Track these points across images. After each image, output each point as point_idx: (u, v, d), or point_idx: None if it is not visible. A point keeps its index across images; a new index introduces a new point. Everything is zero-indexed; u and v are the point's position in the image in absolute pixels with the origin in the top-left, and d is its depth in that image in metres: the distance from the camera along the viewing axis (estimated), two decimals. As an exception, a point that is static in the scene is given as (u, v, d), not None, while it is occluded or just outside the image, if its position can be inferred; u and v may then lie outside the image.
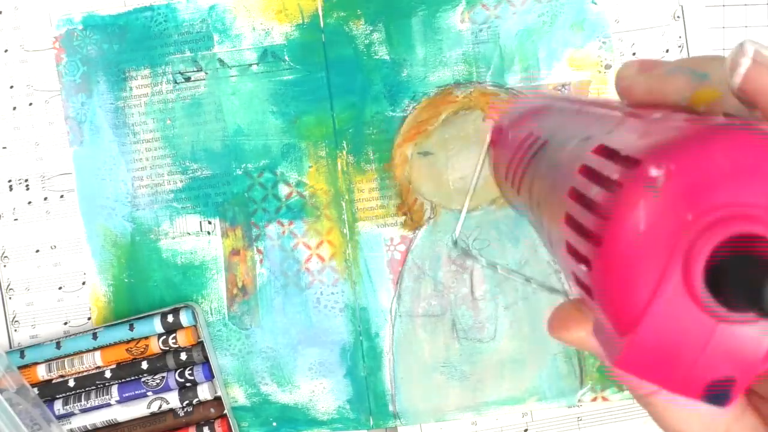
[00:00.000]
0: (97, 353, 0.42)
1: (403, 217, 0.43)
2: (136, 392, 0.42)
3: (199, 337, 0.42)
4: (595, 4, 0.43)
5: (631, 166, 0.15)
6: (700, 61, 0.17)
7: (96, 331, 0.42)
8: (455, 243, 0.31)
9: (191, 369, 0.42)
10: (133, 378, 0.42)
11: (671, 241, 0.14)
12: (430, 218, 0.43)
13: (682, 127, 0.15)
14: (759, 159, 0.14)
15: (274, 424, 0.44)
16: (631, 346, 0.14)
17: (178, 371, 0.42)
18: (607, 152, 0.16)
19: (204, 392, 0.42)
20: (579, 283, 0.16)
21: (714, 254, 0.14)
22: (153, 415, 0.42)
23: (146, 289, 0.44)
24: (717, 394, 0.15)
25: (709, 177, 0.14)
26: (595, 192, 0.16)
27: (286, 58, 0.43)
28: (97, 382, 0.42)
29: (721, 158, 0.14)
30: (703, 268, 0.14)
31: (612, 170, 0.15)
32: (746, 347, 0.14)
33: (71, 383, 0.42)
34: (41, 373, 0.42)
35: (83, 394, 0.42)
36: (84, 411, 0.42)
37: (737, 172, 0.14)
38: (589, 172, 0.16)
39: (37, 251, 0.44)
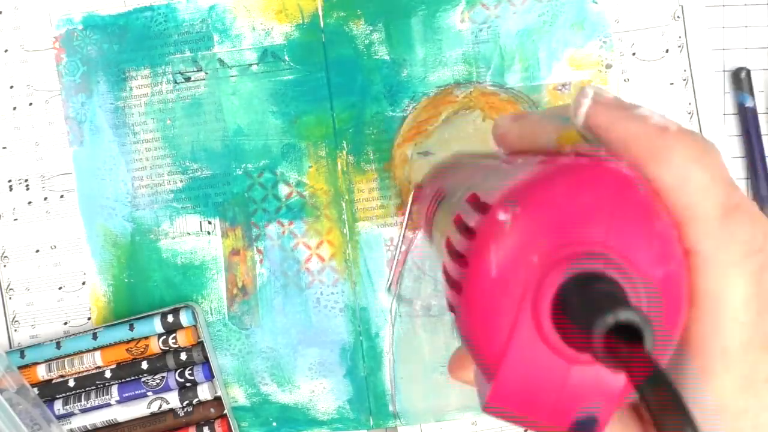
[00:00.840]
0: (97, 353, 0.42)
1: (403, 218, 0.43)
2: (136, 392, 0.42)
3: (199, 337, 0.42)
4: (596, 3, 0.43)
5: (483, 212, 0.15)
6: (563, 109, 0.18)
7: (96, 331, 0.42)
8: (388, 289, 0.33)
9: (191, 369, 0.42)
10: (133, 378, 0.42)
11: (521, 284, 0.14)
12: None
13: (532, 170, 0.15)
14: (595, 197, 0.14)
15: (274, 424, 0.44)
16: (495, 389, 0.14)
17: (178, 371, 0.42)
18: (474, 200, 0.17)
19: (204, 392, 0.42)
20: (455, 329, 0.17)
21: (560, 295, 0.14)
22: (153, 415, 0.42)
23: (146, 289, 0.44)
24: (583, 429, 0.15)
25: (551, 217, 0.14)
26: (457, 240, 0.16)
27: (286, 58, 0.43)
28: (97, 382, 0.42)
29: (561, 199, 0.14)
30: (549, 310, 0.14)
31: (472, 218, 0.16)
32: (603, 383, 0.14)
33: (71, 383, 0.42)
34: (41, 373, 0.42)
35: (83, 394, 0.42)
36: (84, 411, 0.42)
37: (576, 211, 0.14)
38: (459, 222, 0.17)
39: (37, 251, 0.44)
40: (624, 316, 0.12)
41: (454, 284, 0.16)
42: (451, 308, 0.16)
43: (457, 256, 0.16)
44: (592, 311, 0.12)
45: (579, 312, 0.13)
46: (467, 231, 0.16)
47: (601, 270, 0.13)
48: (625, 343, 0.12)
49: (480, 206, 0.16)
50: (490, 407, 0.15)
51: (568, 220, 0.14)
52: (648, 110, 0.16)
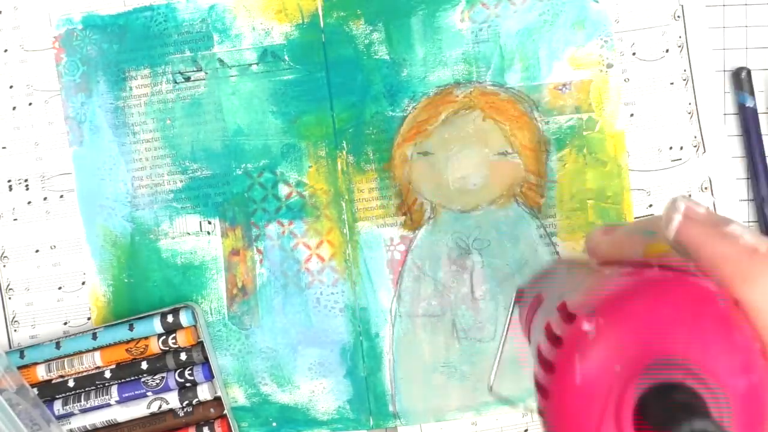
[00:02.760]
0: (97, 353, 0.42)
1: (403, 217, 0.43)
2: (136, 392, 0.42)
3: (198, 337, 0.42)
4: (597, 2, 0.43)
5: (569, 322, 0.16)
6: (649, 222, 0.20)
7: (96, 331, 0.42)
8: (490, 389, 0.34)
9: (191, 369, 0.42)
10: (132, 378, 0.42)
11: (604, 392, 0.15)
12: (430, 218, 0.43)
13: (617, 282, 0.16)
14: (676, 310, 0.15)
15: (274, 424, 0.44)
16: None
17: (178, 371, 0.42)
18: (564, 309, 0.17)
19: (204, 392, 0.42)
20: None
21: (641, 403, 0.14)
22: (153, 415, 0.42)
23: (146, 289, 0.44)
24: None
25: (633, 328, 0.15)
26: (546, 348, 0.17)
27: (286, 58, 0.43)
28: (97, 383, 0.42)
29: (642, 311, 0.15)
30: (631, 418, 0.14)
31: (559, 327, 0.17)
32: None
33: (71, 383, 0.42)
34: (41, 373, 0.42)
35: (83, 394, 0.42)
36: (84, 411, 0.42)
37: (658, 322, 0.15)
38: (548, 330, 0.18)
39: (37, 251, 0.44)
40: (700, 426, 0.13)
41: (541, 389, 0.17)
42: (539, 411, 0.17)
43: (544, 362, 0.17)
44: (671, 421, 0.13)
45: (659, 421, 0.14)
46: (555, 339, 0.17)
47: (680, 380, 0.14)
48: None
49: (567, 316, 0.17)
50: None
51: (649, 331, 0.15)
52: (740, 227, 0.17)
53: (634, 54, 0.43)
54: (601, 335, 0.15)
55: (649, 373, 0.14)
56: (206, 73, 0.44)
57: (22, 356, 0.42)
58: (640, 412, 0.14)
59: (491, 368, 0.34)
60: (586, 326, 0.15)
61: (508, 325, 0.33)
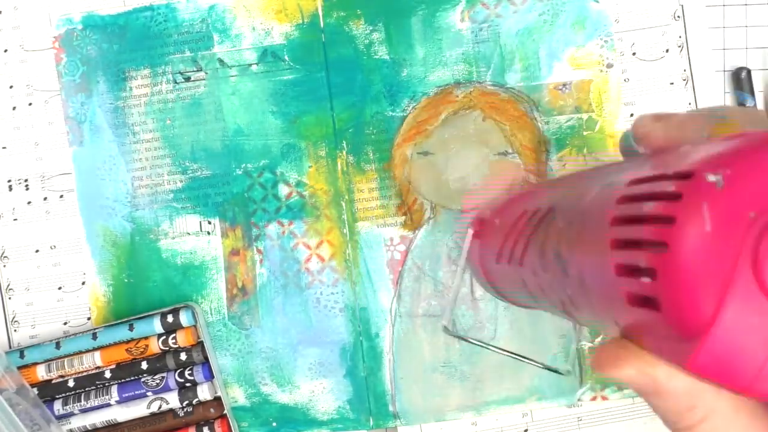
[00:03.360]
0: (97, 353, 0.42)
1: (403, 217, 0.43)
2: (136, 392, 0.42)
3: (198, 337, 0.42)
4: (597, 2, 0.43)
5: (686, 178, 0.15)
6: (716, 109, 0.18)
7: (96, 331, 0.42)
8: (445, 328, 0.32)
9: (191, 369, 0.42)
10: (132, 378, 0.42)
11: (737, 241, 0.14)
12: (429, 218, 0.43)
13: (724, 142, 0.16)
14: None
15: (274, 424, 0.44)
16: (704, 347, 0.15)
17: (178, 371, 0.42)
18: (648, 179, 0.17)
19: (204, 392, 0.42)
20: (636, 301, 0.16)
21: None
22: (153, 415, 0.42)
23: (146, 289, 0.44)
24: None
25: (763, 179, 0.14)
26: (649, 207, 0.16)
27: (286, 58, 0.43)
28: (97, 383, 0.42)
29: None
30: None
31: (664, 186, 0.16)
32: None
33: (71, 383, 0.42)
34: (41, 373, 0.42)
35: (83, 394, 0.42)
36: (84, 411, 0.42)
37: None
38: (633, 198, 0.17)
39: (37, 251, 0.44)
40: None
41: (650, 245, 0.16)
42: (638, 273, 0.16)
43: (645, 219, 0.16)
44: None
45: None
46: (662, 195, 0.16)
47: None
48: None
49: (670, 176, 0.16)
50: (697, 363, 0.15)
51: None
52: None
53: (634, 54, 0.43)
54: (729, 186, 0.14)
55: None
56: (206, 73, 0.44)
57: (22, 356, 0.42)
58: None
59: (449, 306, 0.33)
60: (712, 177, 0.14)
61: (465, 260, 0.31)
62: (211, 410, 0.42)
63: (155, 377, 0.42)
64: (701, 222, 0.14)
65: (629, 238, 0.17)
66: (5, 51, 0.44)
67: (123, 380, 0.42)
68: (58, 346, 0.42)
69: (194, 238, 0.44)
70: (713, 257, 0.14)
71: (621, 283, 0.17)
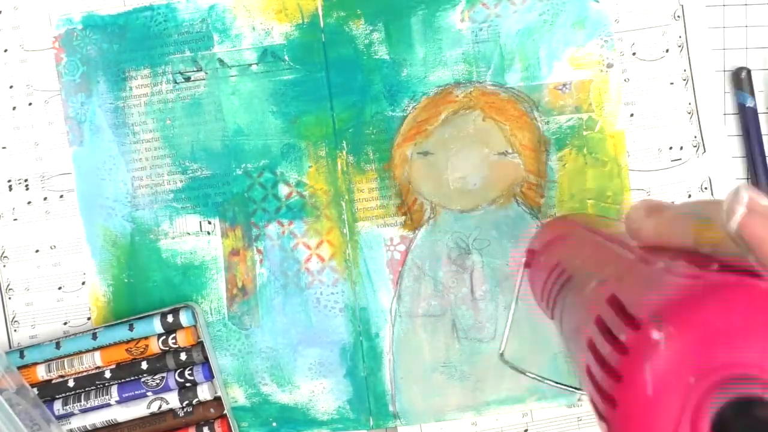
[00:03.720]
0: (97, 353, 0.42)
1: (403, 217, 0.43)
2: (136, 392, 0.42)
3: (198, 337, 0.42)
4: (597, 2, 0.43)
5: (635, 328, 0.15)
6: (704, 206, 0.19)
7: (96, 331, 0.42)
8: (501, 356, 0.34)
9: (191, 369, 0.42)
10: (132, 378, 0.42)
11: (678, 405, 0.14)
12: (429, 218, 0.43)
13: (679, 284, 0.16)
14: (748, 318, 0.14)
15: (274, 424, 0.44)
16: None
17: (178, 371, 0.42)
18: (617, 305, 0.17)
19: (204, 392, 0.42)
20: (599, 393, 0.17)
21: (717, 418, 0.14)
22: (153, 415, 0.42)
23: (146, 289, 0.44)
24: None
25: (704, 338, 0.14)
26: (607, 351, 0.16)
27: (286, 58, 0.43)
28: (97, 383, 0.42)
29: (713, 319, 0.15)
30: (709, 429, 0.14)
31: (620, 329, 0.16)
32: None
33: (71, 383, 0.42)
34: (41, 373, 0.42)
35: (83, 394, 0.42)
36: (84, 411, 0.42)
37: (730, 332, 0.14)
38: (603, 326, 0.17)
39: (37, 251, 0.44)
40: None
41: (605, 395, 0.16)
42: (600, 415, 0.17)
43: (604, 364, 0.16)
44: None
45: None
46: (616, 343, 0.16)
47: (760, 395, 0.14)
48: None
49: (627, 318, 0.16)
50: None
51: (721, 341, 0.14)
52: None
53: (634, 54, 0.43)
54: (671, 345, 0.15)
55: (726, 386, 0.14)
56: (206, 73, 0.44)
57: (22, 356, 0.42)
58: (718, 428, 0.14)
59: (503, 336, 0.34)
60: (656, 335, 0.15)
61: (519, 288, 0.32)
62: (211, 410, 0.42)
63: (155, 377, 0.42)
64: (643, 386, 0.15)
65: (594, 375, 0.17)
66: (5, 51, 0.44)
67: (123, 380, 0.42)
68: (58, 346, 0.42)
69: (194, 238, 0.44)
70: (655, 422, 0.15)
71: (586, 379, 0.18)
